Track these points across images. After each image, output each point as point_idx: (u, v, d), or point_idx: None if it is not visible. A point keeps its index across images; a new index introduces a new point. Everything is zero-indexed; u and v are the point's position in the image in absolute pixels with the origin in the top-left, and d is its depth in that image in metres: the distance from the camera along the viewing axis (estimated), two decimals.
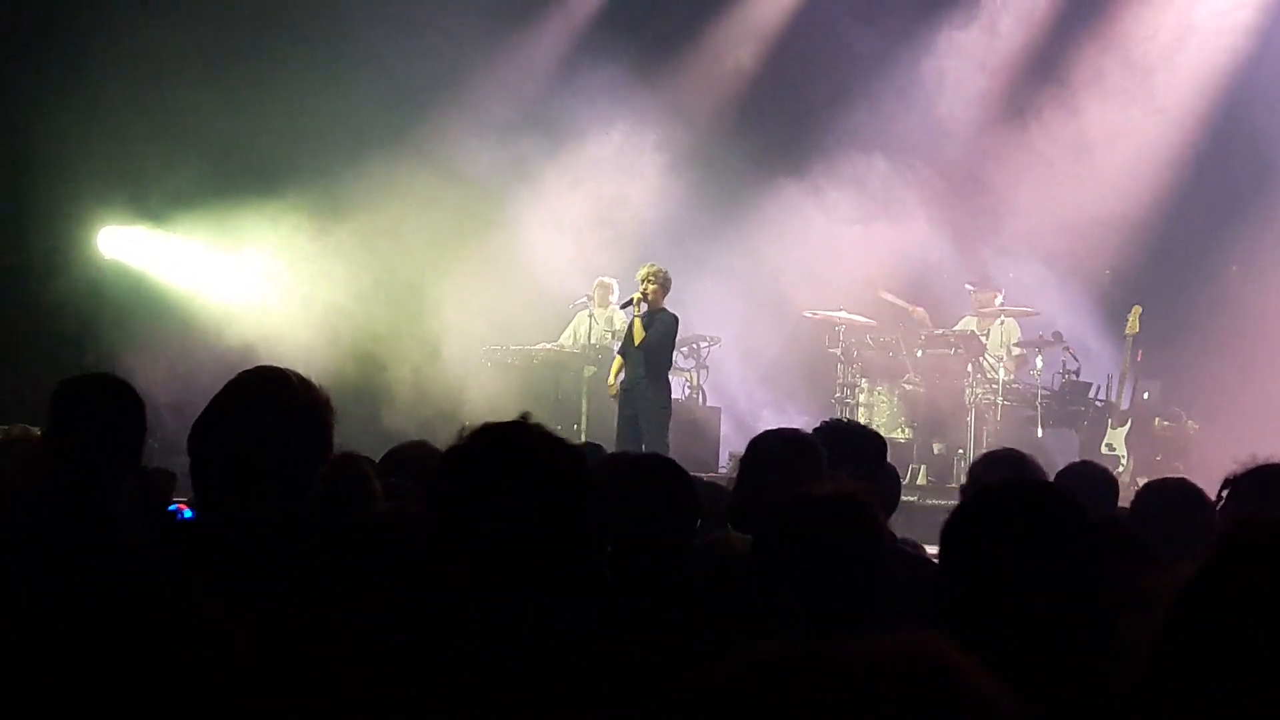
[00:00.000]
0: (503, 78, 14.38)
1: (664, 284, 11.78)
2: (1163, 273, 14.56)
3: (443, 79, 13.87)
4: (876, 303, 13.82)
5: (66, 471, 3.76)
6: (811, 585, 3.04)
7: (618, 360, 11.95)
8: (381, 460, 4.44)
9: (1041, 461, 5.19)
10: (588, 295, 13.69)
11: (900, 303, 13.67)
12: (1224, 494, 3.87)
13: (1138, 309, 13.20)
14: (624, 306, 12.13)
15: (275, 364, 3.13)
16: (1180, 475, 5.26)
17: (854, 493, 3.20)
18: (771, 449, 4.40)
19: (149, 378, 9.83)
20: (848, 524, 3.12)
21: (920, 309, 13.63)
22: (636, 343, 11.62)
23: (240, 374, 3.03)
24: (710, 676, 1.17)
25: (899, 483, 5.50)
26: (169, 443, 6.17)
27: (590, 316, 13.60)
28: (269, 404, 2.94)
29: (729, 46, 15.35)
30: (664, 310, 11.80)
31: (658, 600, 3.19)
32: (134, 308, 13.21)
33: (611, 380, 11.92)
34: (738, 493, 4.33)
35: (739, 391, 14.39)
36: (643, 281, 11.77)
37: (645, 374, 11.55)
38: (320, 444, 2.97)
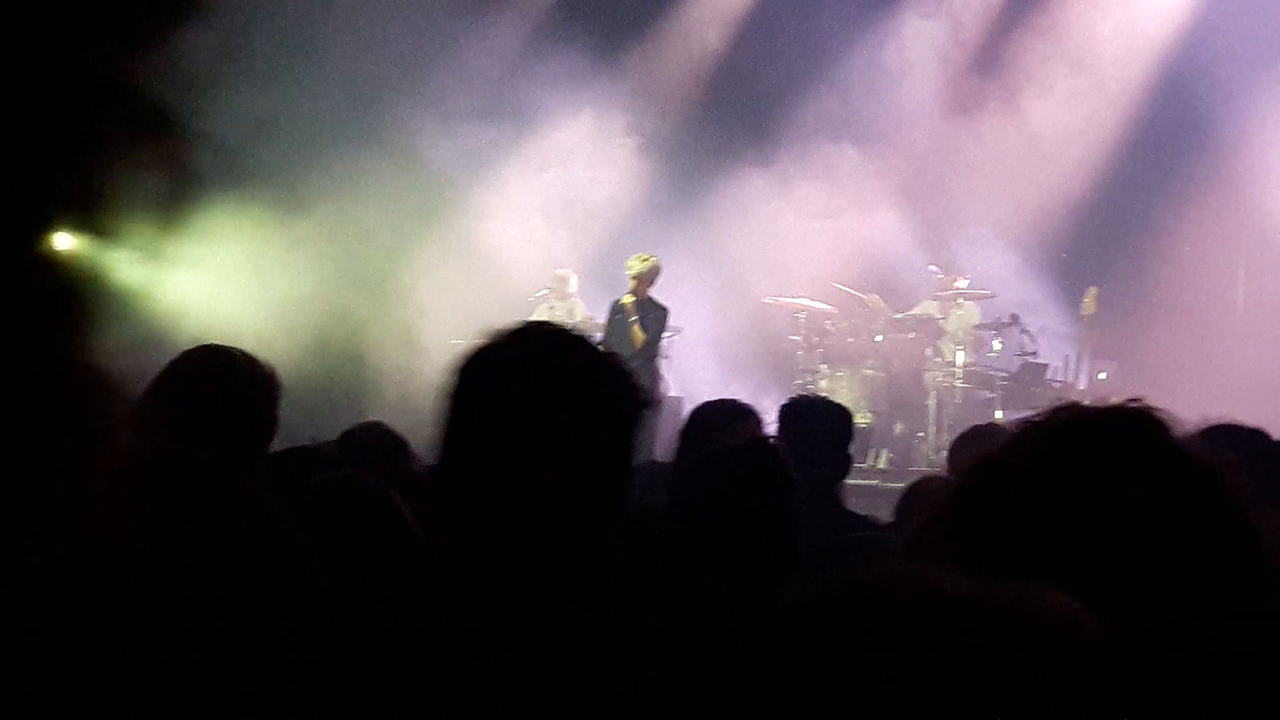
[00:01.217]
0: (465, 65, 14.28)
1: (653, 275, 11.84)
2: (1118, 254, 14.64)
3: (403, 67, 13.79)
4: (835, 289, 13.87)
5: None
6: (727, 536, 3.03)
7: (607, 326, 11.89)
8: (339, 444, 4.42)
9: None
10: (548, 288, 13.65)
11: (853, 292, 13.71)
12: None
13: (1094, 290, 13.29)
14: (615, 316, 11.88)
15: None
16: None
17: (760, 440, 3.21)
18: (710, 416, 4.42)
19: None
20: (755, 472, 3.12)
21: (874, 295, 13.68)
22: (637, 346, 11.49)
23: (184, 351, 3.01)
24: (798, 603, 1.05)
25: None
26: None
27: (551, 309, 13.56)
28: (213, 379, 2.92)
29: (694, 30, 15.30)
30: (654, 304, 11.78)
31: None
32: (90, 307, 13.07)
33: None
34: (677, 464, 4.35)
35: (700, 380, 14.38)
36: (633, 278, 11.76)
37: (644, 375, 11.51)
38: (265, 418, 2.95)
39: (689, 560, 3.02)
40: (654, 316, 11.67)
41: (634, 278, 11.71)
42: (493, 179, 14.34)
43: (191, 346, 3.07)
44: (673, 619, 1.95)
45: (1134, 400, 1.51)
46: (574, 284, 13.57)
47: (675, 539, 3.13)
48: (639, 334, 11.54)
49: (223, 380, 2.96)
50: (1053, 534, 1.40)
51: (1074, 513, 1.41)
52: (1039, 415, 1.53)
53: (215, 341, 3.13)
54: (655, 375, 11.72)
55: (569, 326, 2.07)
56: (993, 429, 5.12)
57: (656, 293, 12.00)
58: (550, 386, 1.96)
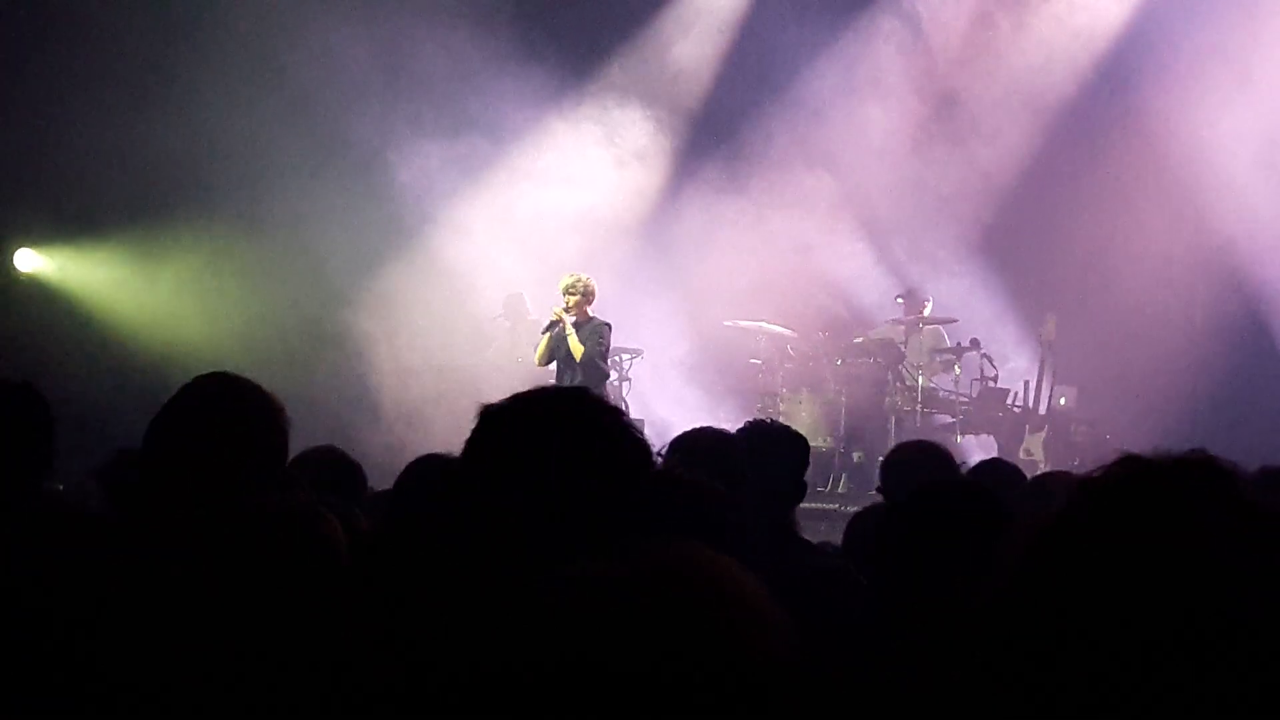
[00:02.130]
0: (431, 82, 14.17)
1: (586, 293, 11.51)
2: (1080, 281, 14.72)
3: (367, 86, 13.71)
4: (799, 314, 13.89)
5: None
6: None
7: (545, 341, 11.61)
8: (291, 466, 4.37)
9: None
10: (503, 309, 13.59)
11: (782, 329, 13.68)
12: None
13: (1053, 317, 13.35)
14: (546, 331, 11.68)
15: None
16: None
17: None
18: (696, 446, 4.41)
19: (69, 393, 9.62)
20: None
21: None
22: (577, 358, 11.32)
23: (196, 379, 2.99)
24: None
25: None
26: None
27: (510, 329, 13.50)
28: (227, 408, 2.91)
29: (664, 52, 15.28)
30: (594, 319, 11.54)
31: None
32: (50, 326, 12.94)
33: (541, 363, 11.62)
34: None
35: (660, 403, 14.36)
36: (565, 294, 11.51)
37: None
38: (276, 449, 2.93)
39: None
40: (592, 328, 11.42)
41: (564, 292, 11.56)
42: (456, 198, 14.26)
43: (202, 374, 3.04)
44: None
45: (1196, 451, 1.46)
46: (529, 304, 13.48)
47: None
48: (577, 344, 11.31)
49: (236, 410, 2.92)
50: (1134, 599, 1.35)
51: (1155, 574, 1.35)
52: (1095, 472, 1.46)
53: (223, 370, 3.11)
54: (606, 398, 11.56)
55: (579, 393, 2.25)
56: (922, 446, 5.12)
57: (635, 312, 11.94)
58: (564, 454, 2.10)
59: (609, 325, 11.60)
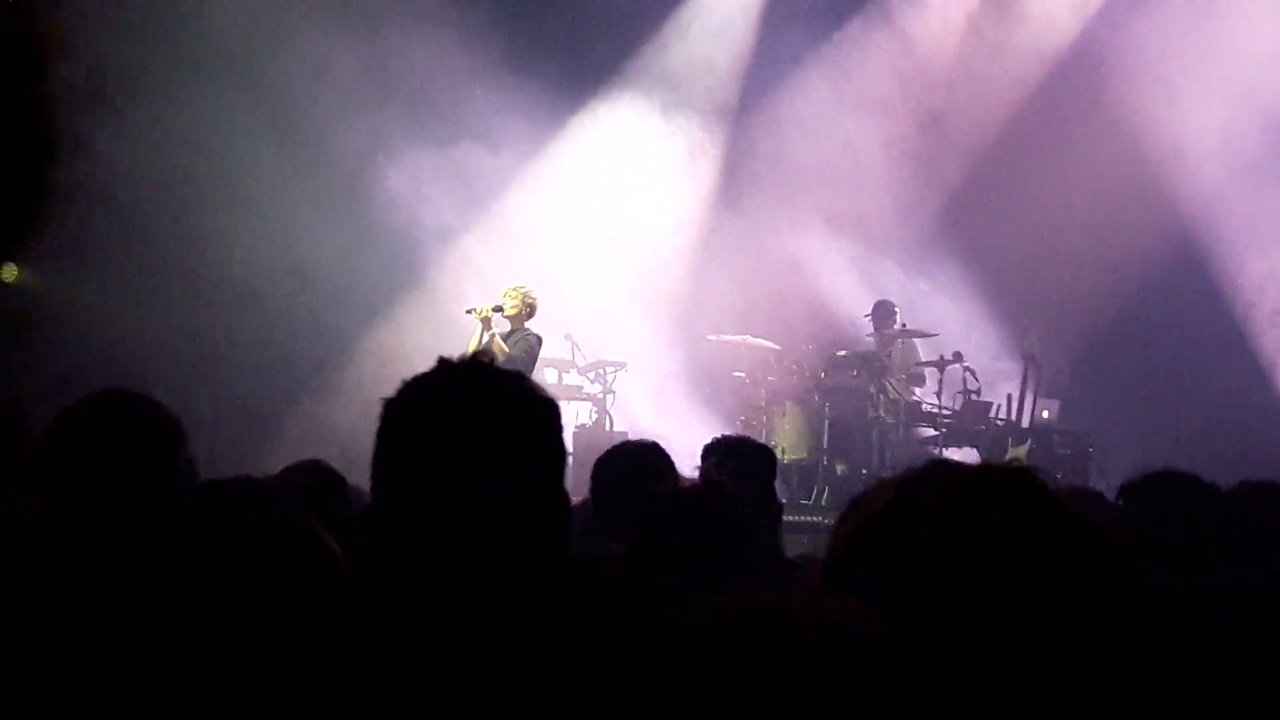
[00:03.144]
0: (418, 90, 14.12)
1: (524, 302, 11.54)
2: (1063, 295, 14.76)
3: (351, 96, 13.70)
4: (783, 327, 13.92)
5: None
6: (688, 577, 3.05)
7: (475, 339, 11.56)
8: (279, 480, 4.38)
9: None
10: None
11: (767, 343, 13.72)
12: (1120, 501, 3.94)
13: (1037, 330, 13.39)
14: (469, 312, 11.65)
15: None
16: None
17: (715, 483, 3.26)
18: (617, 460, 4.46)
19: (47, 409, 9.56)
20: (715, 513, 3.16)
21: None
22: (499, 360, 11.30)
23: (89, 395, 3.01)
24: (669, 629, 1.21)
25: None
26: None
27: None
28: (114, 425, 2.93)
29: (653, 64, 15.30)
30: (527, 329, 11.59)
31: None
32: (29, 341, 12.88)
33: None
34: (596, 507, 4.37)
35: (645, 416, 14.37)
36: (504, 296, 11.58)
37: None
38: (166, 467, 2.94)
39: (647, 601, 3.05)
40: (523, 337, 11.41)
41: (504, 295, 11.53)
42: (446, 206, 14.23)
43: (96, 390, 3.04)
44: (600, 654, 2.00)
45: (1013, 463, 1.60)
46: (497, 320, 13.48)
47: (635, 580, 3.15)
48: (501, 346, 11.27)
49: (122, 427, 2.93)
50: (930, 578, 1.45)
51: (945, 559, 1.46)
52: (908, 473, 1.58)
53: (121, 385, 3.11)
54: None
55: (477, 358, 2.12)
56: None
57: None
58: (464, 420, 2.01)
59: (539, 338, 11.64)
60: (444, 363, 2.11)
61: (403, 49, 13.70)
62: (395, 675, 1.95)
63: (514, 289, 11.64)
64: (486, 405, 2.05)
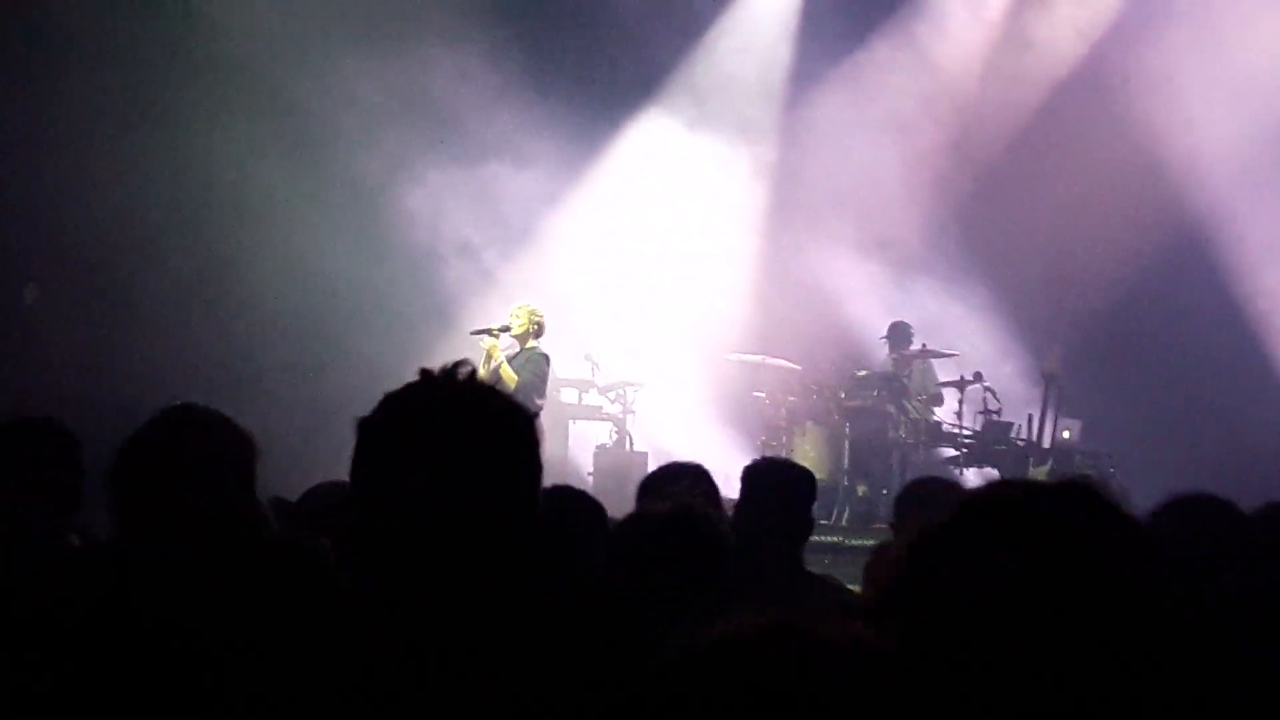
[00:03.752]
0: (441, 109, 14.13)
1: (531, 320, 11.31)
2: (1085, 313, 14.72)
3: (372, 116, 13.73)
4: (803, 347, 13.90)
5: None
6: (658, 597, 3.07)
7: (483, 367, 11.19)
8: (300, 503, 4.40)
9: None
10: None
11: (787, 364, 13.70)
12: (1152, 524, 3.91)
13: (1057, 350, 13.36)
14: (476, 333, 11.43)
15: None
16: None
17: (689, 506, 3.31)
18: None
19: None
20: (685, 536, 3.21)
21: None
22: (511, 387, 10.77)
23: (162, 410, 3.00)
24: (689, 651, 1.22)
25: None
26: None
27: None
28: (193, 439, 2.93)
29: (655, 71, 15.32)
30: (534, 348, 11.36)
31: None
32: (52, 360, 12.90)
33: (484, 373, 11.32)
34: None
35: (665, 436, 14.35)
36: (511, 316, 11.38)
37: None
38: (244, 479, 2.95)
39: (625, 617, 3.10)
40: (530, 358, 11.17)
41: (510, 315, 11.41)
42: (468, 226, 14.23)
43: (169, 406, 3.06)
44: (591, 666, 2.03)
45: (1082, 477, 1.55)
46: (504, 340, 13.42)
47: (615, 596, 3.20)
48: (509, 374, 11.00)
49: (202, 440, 2.94)
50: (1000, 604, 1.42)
51: (1019, 586, 1.43)
52: (982, 490, 1.55)
53: (192, 401, 3.13)
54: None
55: (465, 373, 2.13)
56: (935, 481, 5.14)
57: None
58: (443, 433, 2.04)
59: (548, 356, 11.43)
60: (425, 375, 2.13)
61: (426, 68, 13.72)
62: (379, 682, 1.98)
63: (520, 308, 11.48)
64: (464, 419, 2.07)
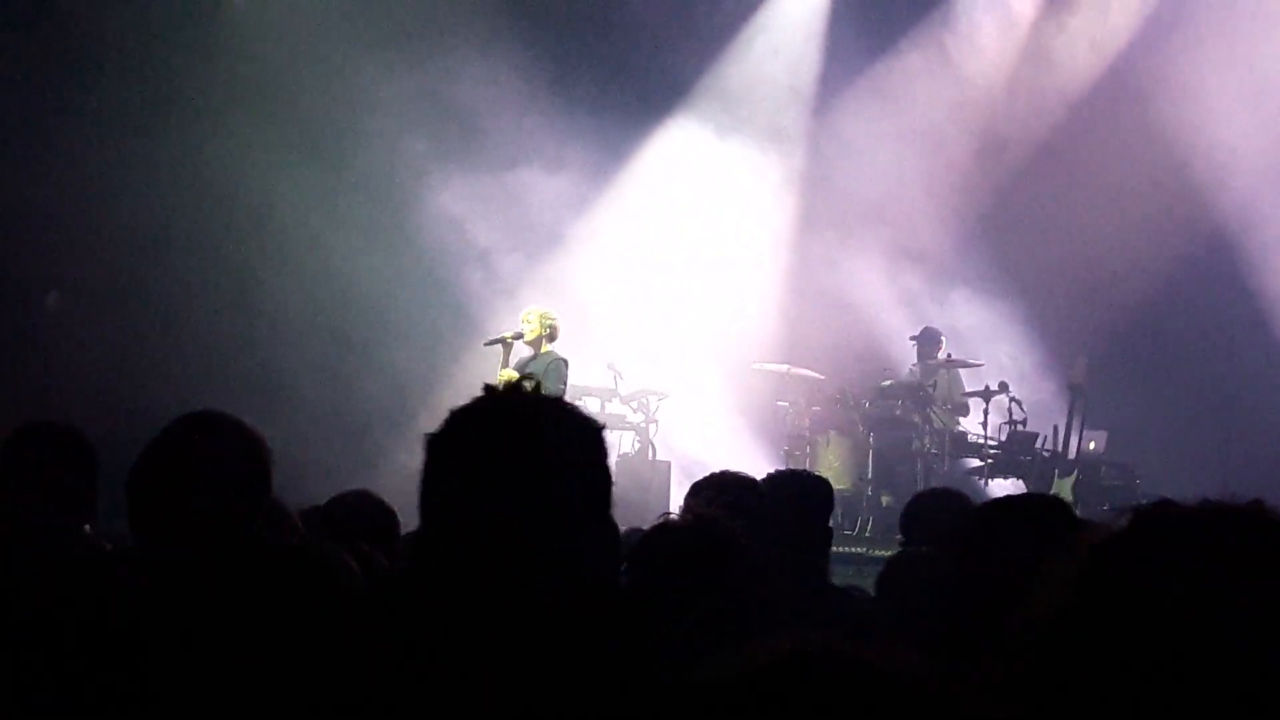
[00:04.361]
0: (469, 114, 14.12)
1: (543, 324, 11.08)
2: (1111, 324, 14.65)
3: (403, 119, 13.73)
4: (827, 357, 13.86)
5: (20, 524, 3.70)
6: (680, 611, 3.07)
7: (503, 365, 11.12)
8: (323, 512, 4.38)
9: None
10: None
11: (812, 374, 13.66)
12: None
13: (1084, 360, 13.29)
14: (490, 344, 11.27)
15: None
16: None
17: (702, 517, 3.29)
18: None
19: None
20: (706, 548, 3.18)
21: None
22: None
23: (177, 418, 2.99)
24: (725, 675, 1.18)
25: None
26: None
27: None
28: (207, 444, 2.92)
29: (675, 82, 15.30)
30: (550, 354, 11.12)
31: None
32: (76, 368, 12.92)
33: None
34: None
35: (688, 445, 14.31)
36: (523, 321, 11.15)
37: None
38: (259, 483, 2.95)
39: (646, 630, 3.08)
40: (551, 370, 10.88)
41: (522, 321, 11.21)
42: (495, 232, 14.21)
43: (185, 414, 3.05)
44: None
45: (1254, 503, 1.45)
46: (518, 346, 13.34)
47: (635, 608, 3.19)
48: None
49: (216, 446, 2.94)
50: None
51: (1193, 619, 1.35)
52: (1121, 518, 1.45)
53: (208, 408, 3.12)
54: None
55: (520, 384, 2.16)
56: (941, 494, 5.12)
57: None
58: (512, 446, 2.05)
59: (566, 361, 11.19)
60: (489, 391, 2.14)
61: (455, 75, 13.71)
62: (396, 694, 1.97)
63: (531, 311, 11.25)
64: (534, 431, 2.07)
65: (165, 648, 2.51)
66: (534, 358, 11.10)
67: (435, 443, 2.11)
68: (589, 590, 2.09)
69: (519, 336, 11.12)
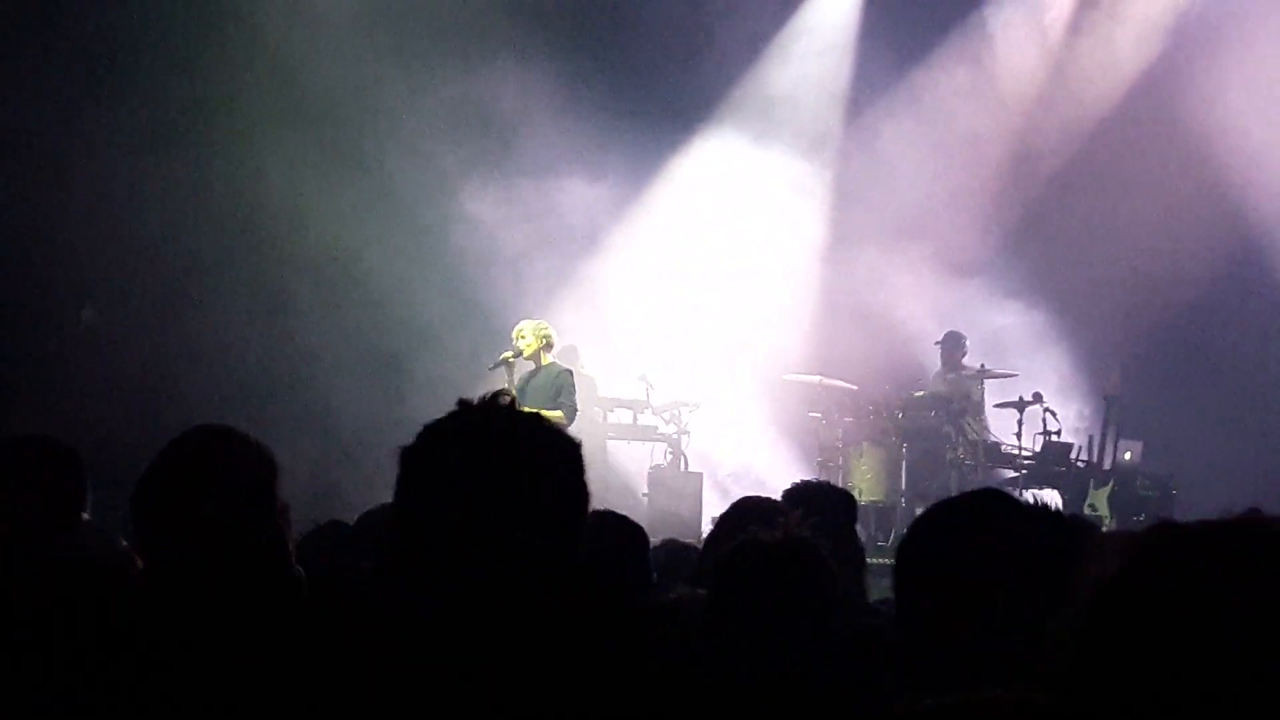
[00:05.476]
0: (503, 124, 14.14)
1: (538, 336, 11.02)
2: (1146, 334, 14.55)
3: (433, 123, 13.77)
4: (859, 367, 13.83)
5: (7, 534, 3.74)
6: (764, 630, 3.01)
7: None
8: (354, 527, 4.39)
9: None
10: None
11: (842, 383, 13.62)
12: None
13: (1118, 370, 13.22)
14: (494, 368, 11.17)
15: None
16: None
17: (802, 537, 3.20)
18: (744, 511, 4.35)
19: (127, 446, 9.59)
20: (798, 567, 3.11)
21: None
22: (564, 426, 10.48)
23: (184, 432, 3.02)
24: None
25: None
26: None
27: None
28: (214, 460, 2.95)
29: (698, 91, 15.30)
30: (554, 366, 11.06)
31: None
32: (111, 381, 12.98)
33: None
34: (706, 552, 4.27)
35: (721, 456, 14.29)
36: (517, 338, 11.06)
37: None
38: (265, 497, 2.95)
39: (722, 649, 3.02)
40: (561, 386, 10.80)
41: (515, 337, 11.07)
42: (526, 243, 14.22)
43: (191, 428, 3.06)
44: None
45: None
46: (580, 356, 13.31)
47: (711, 627, 3.13)
48: (551, 415, 9.63)
49: (223, 461, 2.96)
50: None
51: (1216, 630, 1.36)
52: (1136, 532, 1.46)
53: (213, 422, 3.14)
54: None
55: (496, 399, 2.16)
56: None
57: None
58: (488, 461, 2.07)
59: (570, 371, 11.18)
60: (464, 405, 2.16)
61: (491, 83, 13.72)
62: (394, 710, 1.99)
63: (524, 326, 11.19)
64: (510, 446, 2.09)
65: (163, 654, 2.53)
66: (537, 371, 11.07)
67: (408, 456, 2.13)
68: (569, 597, 2.09)
69: (519, 354, 11.07)
